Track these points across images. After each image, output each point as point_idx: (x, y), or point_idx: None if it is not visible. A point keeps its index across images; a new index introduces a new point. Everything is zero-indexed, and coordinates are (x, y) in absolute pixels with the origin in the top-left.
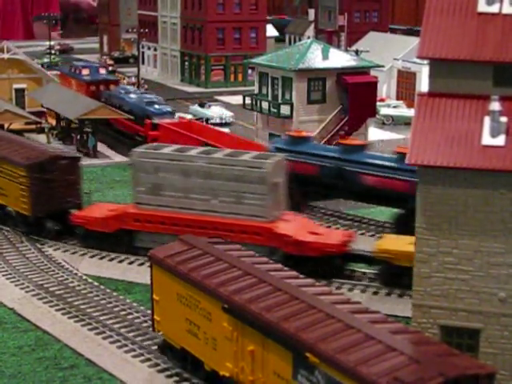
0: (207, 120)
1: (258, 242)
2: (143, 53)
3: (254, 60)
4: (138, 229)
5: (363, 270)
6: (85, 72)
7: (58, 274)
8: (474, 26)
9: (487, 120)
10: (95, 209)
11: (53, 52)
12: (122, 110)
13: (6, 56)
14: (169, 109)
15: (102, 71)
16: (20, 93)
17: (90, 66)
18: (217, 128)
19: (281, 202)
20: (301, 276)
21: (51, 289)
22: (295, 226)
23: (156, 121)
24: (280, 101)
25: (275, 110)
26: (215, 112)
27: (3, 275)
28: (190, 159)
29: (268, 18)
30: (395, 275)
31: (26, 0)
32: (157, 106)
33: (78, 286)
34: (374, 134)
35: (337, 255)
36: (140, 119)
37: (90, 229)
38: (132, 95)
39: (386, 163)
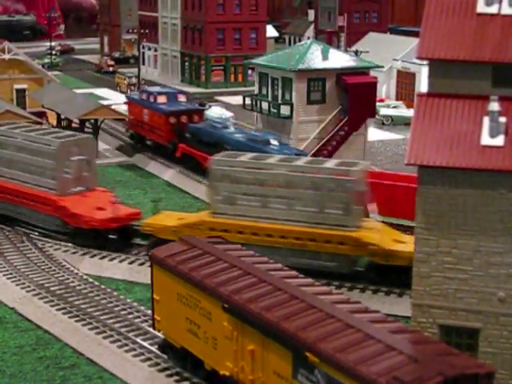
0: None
1: (47, 212)
2: (143, 53)
3: (254, 60)
4: None
5: (141, 243)
6: (161, 100)
7: (58, 273)
8: (473, 27)
9: (486, 120)
10: None
11: (53, 52)
12: (223, 150)
13: (6, 56)
14: (294, 150)
15: (182, 98)
16: (21, 93)
17: (166, 92)
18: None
19: (83, 178)
20: (300, 276)
21: (52, 288)
22: (86, 202)
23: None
24: (280, 101)
25: (275, 111)
26: (215, 112)
27: (4, 275)
28: (8, 134)
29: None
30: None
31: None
32: (276, 147)
33: (79, 285)
34: (374, 134)
35: (110, 229)
36: None
37: None
38: (230, 130)
39: None
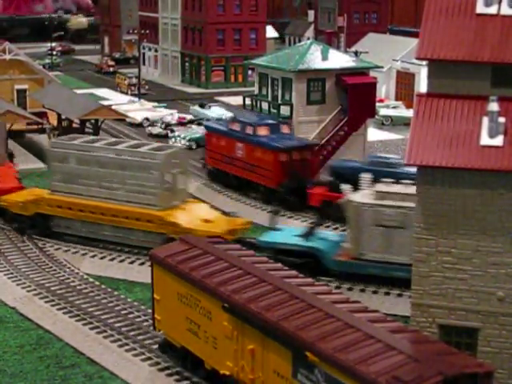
0: (208, 120)
1: None
2: (144, 54)
3: (253, 61)
4: None
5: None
6: (262, 132)
7: (59, 273)
8: (472, 27)
9: (485, 120)
10: None
11: (54, 53)
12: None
13: (7, 57)
14: None
15: (286, 130)
16: (22, 93)
17: (268, 122)
18: None
19: None
20: (300, 275)
21: (52, 288)
22: None
23: None
24: (280, 101)
25: (275, 111)
26: (215, 113)
27: (5, 274)
28: None
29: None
30: (12, 219)
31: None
32: None
33: (80, 285)
34: (374, 134)
35: None
36: None
37: None
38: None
39: None
